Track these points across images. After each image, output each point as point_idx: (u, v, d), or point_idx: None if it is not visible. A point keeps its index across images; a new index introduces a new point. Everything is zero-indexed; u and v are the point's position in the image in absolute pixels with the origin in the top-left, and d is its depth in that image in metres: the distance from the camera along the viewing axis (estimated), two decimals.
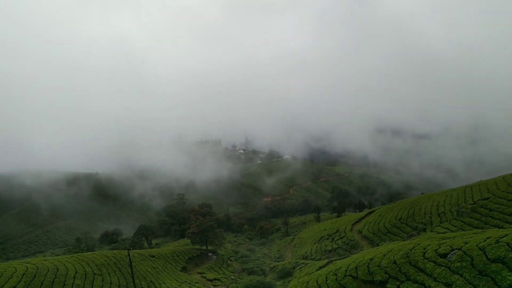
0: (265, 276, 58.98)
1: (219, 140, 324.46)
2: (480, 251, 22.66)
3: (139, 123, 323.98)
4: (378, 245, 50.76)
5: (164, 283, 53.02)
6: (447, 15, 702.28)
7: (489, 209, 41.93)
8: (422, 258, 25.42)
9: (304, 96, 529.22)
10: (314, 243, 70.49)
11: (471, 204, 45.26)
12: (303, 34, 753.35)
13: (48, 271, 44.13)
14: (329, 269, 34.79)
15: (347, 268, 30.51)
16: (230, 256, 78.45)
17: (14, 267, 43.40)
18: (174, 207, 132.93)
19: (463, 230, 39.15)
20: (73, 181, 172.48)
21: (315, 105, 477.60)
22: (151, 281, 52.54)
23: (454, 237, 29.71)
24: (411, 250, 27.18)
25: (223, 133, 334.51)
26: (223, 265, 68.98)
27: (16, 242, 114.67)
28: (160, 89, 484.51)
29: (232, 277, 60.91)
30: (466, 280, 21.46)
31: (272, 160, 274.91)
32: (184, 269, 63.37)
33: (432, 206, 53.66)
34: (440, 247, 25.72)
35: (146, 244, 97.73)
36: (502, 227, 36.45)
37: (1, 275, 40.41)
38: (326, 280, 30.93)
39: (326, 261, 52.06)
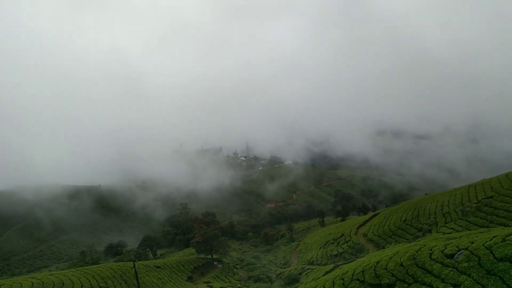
0: (271, 283, 58.75)
1: (220, 148, 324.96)
2: (487, 250, 22.58)
3: (139, 133, 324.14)
4: (384, 247, 50.54)
5: None
6: (442, 13, 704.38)
7: (494, 207, 41.87)
8: (429, 259, 25.33)
9: (303, 100, 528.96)
10: (320, 248, 70.24)
11: (475, 203, 45.20)
12: (300, 38, 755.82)
13: (54, 285, 44.07)
14: (335, 274, 34.66)
15: (354, 272, 30.40)
16: (236, 264, 78.13)
17: (20, 283, 43.33)
18: (177, 217, 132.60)
19: (469, 230, 39.05)
20: (75, 194, 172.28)
21: (314, 109, 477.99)
22: None
23: (460, 237, 29.64)
24: (417, 252, 27.10)
25: (224, 141, 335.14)
26: (229, 274, 68.69)
27: (21, 258, 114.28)
28: (158, 99, 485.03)
29: (239, 285, 60.63)
30: (474, 280, 21.37)
31: (274, 166, 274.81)
32: (190, 278, 63.16)
33: (436, 206, 53.55)
34: (446, 248, 25.64)
35: (151, 255, 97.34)
36: (507, 225, 36.35)
37: None
38: (333, 285, 30.82)
39: (332, 265, 51.85)
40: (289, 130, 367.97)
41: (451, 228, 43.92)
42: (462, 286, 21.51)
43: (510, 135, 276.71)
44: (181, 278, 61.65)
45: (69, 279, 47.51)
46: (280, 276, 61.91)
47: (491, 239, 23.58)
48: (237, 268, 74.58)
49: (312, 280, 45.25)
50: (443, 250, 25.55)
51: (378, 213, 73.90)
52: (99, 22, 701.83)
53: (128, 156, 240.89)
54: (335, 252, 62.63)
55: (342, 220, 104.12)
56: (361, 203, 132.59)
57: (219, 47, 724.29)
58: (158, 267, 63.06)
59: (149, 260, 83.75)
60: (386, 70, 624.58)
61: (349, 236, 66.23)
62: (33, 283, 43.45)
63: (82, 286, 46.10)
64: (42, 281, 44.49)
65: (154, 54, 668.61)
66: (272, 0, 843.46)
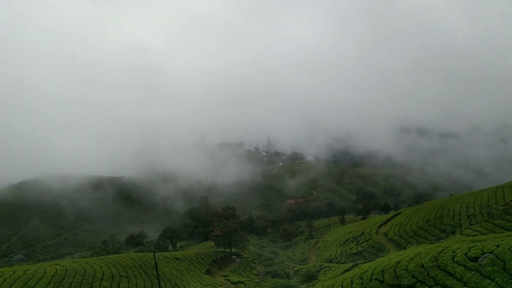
0: (289, 279, 58.54)
1: (241, 142, 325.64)
2: None
3: (161, 127, 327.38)
4: (405, 248, 49.52)
5: (189, 285, 53.42)
6: (469, 7, 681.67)
7: None
8: (452, 261, 24.57)
9: (326, 96, 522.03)
10: (339, 246, 69.55)
11: (502, 205, 43.63)
12: (322, 33, 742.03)
13: (77, 272, 45.25)
14: (354, 273, 34.19)
15: (373, 271, 29.86)
16: (254, 259, 78.29)
17: (44, 269, 44.68)
18: (197, 210, 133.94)
19: (495, 233, 37.71)
20: (98, 185, 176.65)
21: (336, 105, 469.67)
22: (175, 283, 53.04)
23: (485, 240, 28.66)
24: (439, 254, 26.34)
25: (245, 135, 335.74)
26: (247, 268, 68.93)
27: (46, 245, 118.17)
28: (179, 92, 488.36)
29: (256, 280, 60.71)
30: (498, 285, 20.57)
31: (295, 162, 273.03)
32: (208, 271, 63.72)
33: (461, 207, 52.06)
34: (470, 251, 24.82)
35: (171, 247, 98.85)
36: None
37: (32, 276, 41.64)
38: (352, 284, 30.38)
39: (351, 264, 51.26)
40: (311, 126, 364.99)
41: (475, 231, 42.56)
42: None
43: None
44: (200, 271, 62.29)
45: (91, 267, 48.72)
46: (298, 272, 61.68)
47: None
48: (255, 263, 74.75)
49: (330, 278, 44.85)
50: (467, 252, 24.74)
51: (400, 213, 72.52)
52: (120, 17, 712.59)
53: (150, 148, 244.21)
54: (355, 251, 61.86)
55: (363, 219, 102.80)
56: (383, 201, 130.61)
57: (240, 42, 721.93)
58: (178, 259, 63.88)
59: (168, 251, 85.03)
60: (411, 66, 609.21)
61: (370, 235, 65.27)
62: (56, 270, 44.73)
63: (103, 274, 47.18)
64: (65, 268, 45.75)
65: (175, 47, 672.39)
66: None
